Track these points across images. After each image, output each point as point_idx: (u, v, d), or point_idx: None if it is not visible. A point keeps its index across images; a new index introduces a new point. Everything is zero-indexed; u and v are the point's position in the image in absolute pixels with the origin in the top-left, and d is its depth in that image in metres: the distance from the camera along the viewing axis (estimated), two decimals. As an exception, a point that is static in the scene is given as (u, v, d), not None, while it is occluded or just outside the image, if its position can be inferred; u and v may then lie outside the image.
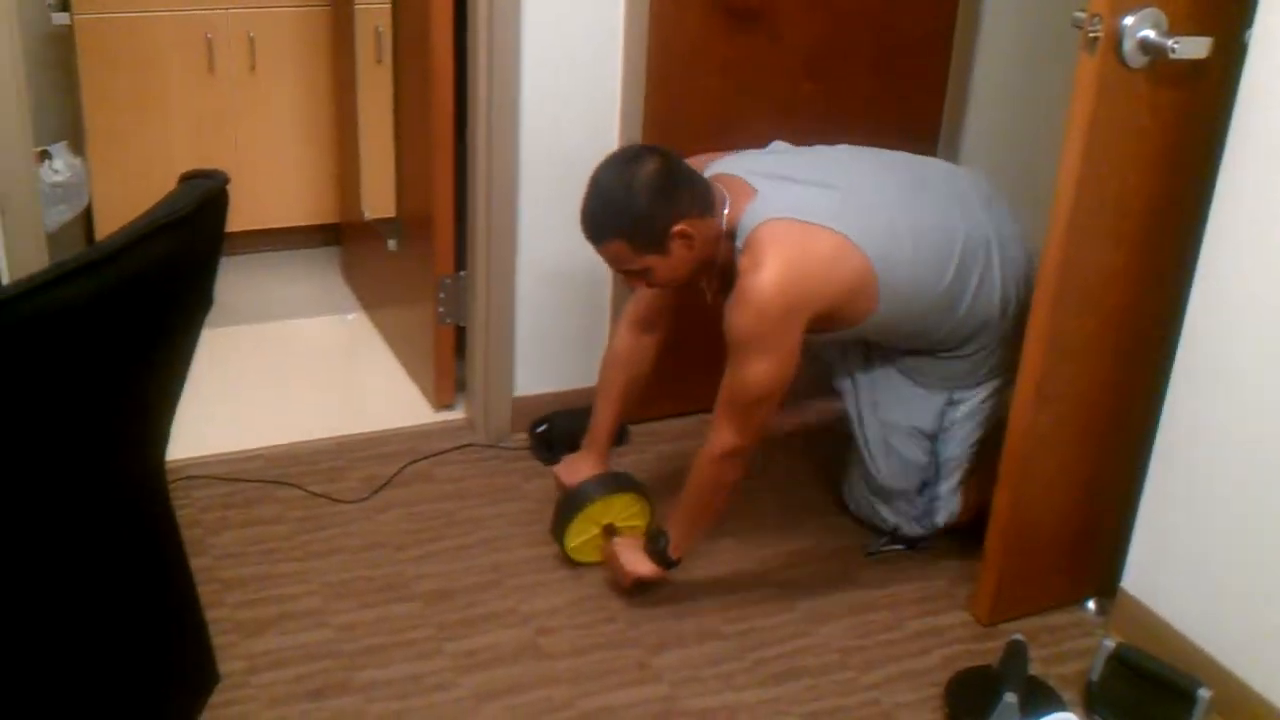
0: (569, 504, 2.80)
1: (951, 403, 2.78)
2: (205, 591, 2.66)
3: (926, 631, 2.72)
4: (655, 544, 2.67)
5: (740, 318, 2.44)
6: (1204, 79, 2.35)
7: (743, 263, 2.46)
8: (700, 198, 2.50)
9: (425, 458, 3.22)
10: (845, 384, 2.88)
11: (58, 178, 3.96)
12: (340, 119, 3.97)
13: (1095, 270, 2.46)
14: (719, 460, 2.56)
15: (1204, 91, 2.37)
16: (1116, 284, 2.50)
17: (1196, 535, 2.52)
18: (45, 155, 4.01)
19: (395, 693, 2.46)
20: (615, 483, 2.82)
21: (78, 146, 3.97)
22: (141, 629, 1.60)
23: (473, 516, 3.01)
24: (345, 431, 3.31)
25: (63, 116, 3.99)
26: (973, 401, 2.78)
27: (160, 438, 1.62)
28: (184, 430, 3.22)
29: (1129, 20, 2.24)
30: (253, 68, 3.98)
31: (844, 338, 2.70)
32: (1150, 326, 2.57)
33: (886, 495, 2.88)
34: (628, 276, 2.61)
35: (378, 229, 3.65)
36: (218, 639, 2.54)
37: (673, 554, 2.67)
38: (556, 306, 3.26)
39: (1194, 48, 2.26)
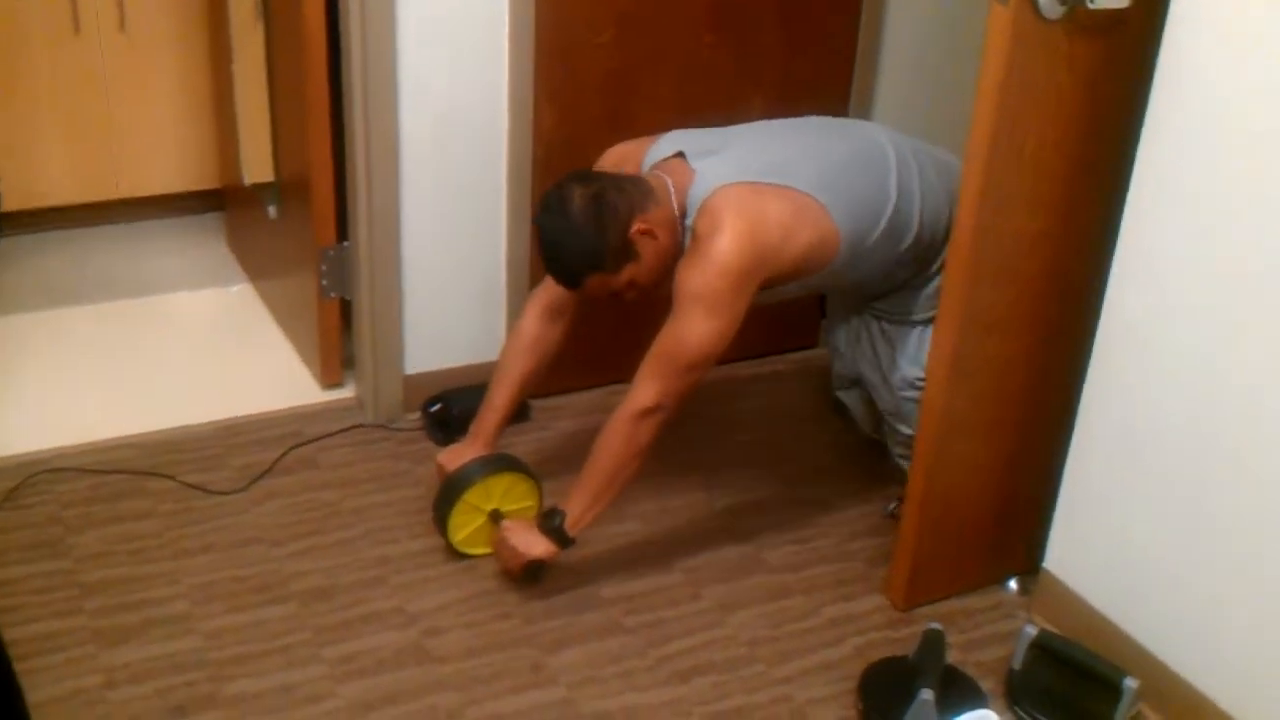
0: (447, 490, 2.61)
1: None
2: (62, 598, 2.50)
3: (841, 618, 2.57)
4: (550, 521, 2.49)
5: (697, 274, 2.34)
6: (1125, 31, 2.19)
7: (700, 227, 2.37)
8: (637, 194, 2.42)
9: (309, 441, 3.02)
10: (851, 370, 2.88)
11: (-85, 145, 3.70)
12: (219, 78, 3.72)
13: (1012, 236, 2.30)
14: (636, 419, 2.40)
15: (1125, 44, 2.21)
16: (1035, 251, 2.34)
17: (1119, 514, 2.38)
18: (-100, 121, 3.74)
19: (265, 706, 2.27)
20: (497, 464, 2.63)
21: (-63, 111, 3.71)
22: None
23: (358, 506, 2.81)
24: (225, 415, 3.10)
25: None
26: None
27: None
28: (49, 417, 3.06)
29: (1043, -33, 2.07)
30: (122, 25, 3.72)
31: (808, 286, 2.57)
32: (1072, 295, 2.42)
33: None
34: (618, 296, 2.49)
35: (258, 195, 3.42)
36: (74, 650, 2.38)
37: (570, 530, 2.48)
38: (447, 279, 3.06)
39: (1113, -4, 2.10)
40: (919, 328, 2.66)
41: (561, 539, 2.48)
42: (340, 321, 3.17)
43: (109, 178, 3.90)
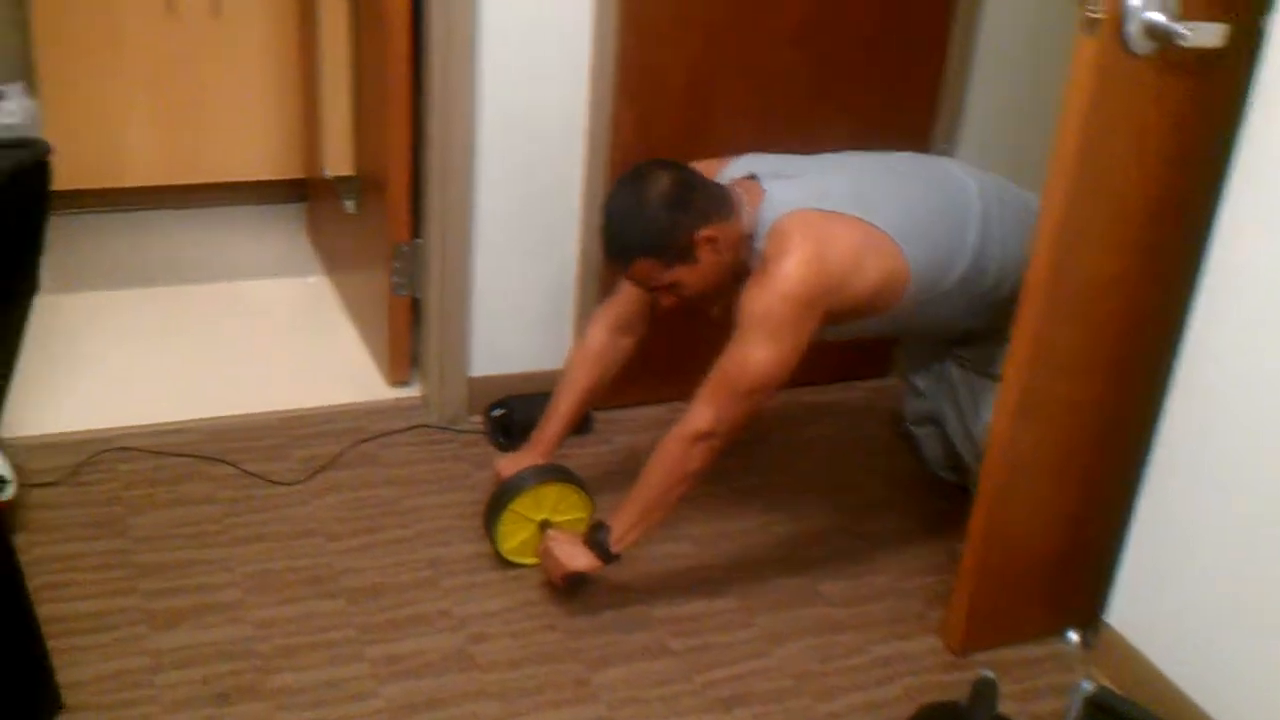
0: (498, 496, 2.60)
1: None
2: (117, 577, 2.51)
3: (893, 657, 2.51)
4: (595, 535, 2.47)
5: (762, 297, 2.31)
6: (1217, 69, 2.12)
7: (767, 250, 2.33)
8: (718, 202, 2.40)
9: (373, 438, 3.02)
10: (932, 411, 2.85)
11: (10, 119, 3.75)
12: (308, 69, 3.75)
13: (1089, 276, 2.24)
14: (689, 442, 2.37)
15: (1216, 83, 2.14)
16: (1113, 292, 2.28)
17: (1188, 570, 2.31)
18: (-3, 95, 3.81)
19: (308, 701, 2.27)
20: (548, 474, 2.61)
21: (35, 88, 3.77)
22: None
23: (415, 506, 2.81)
24: (292, 406, 3.12)
25: (21, 55, 3.78)
26: None
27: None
28: (119, 396, 3.09)
29: (1134, 1, 2.00)
30: (217, 10, 3.76)
31: (872, 327, 2.52)
32: (1149, 339, 2.34)
33: None
34: (657, 294, 2.45)
35: (338, 188, 3.44)
36: (124, 630, 2.39)
37: (614, 547, 2.45)
38: (517, 284, 3.05)
39: (1207, 35, 2.02)
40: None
41: (605, 554, 2.46)
42: (410, 319, 3.17)
43: (194, 161, 3.95)
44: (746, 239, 2.40)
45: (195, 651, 2.35)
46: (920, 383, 2.86)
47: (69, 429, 2.93)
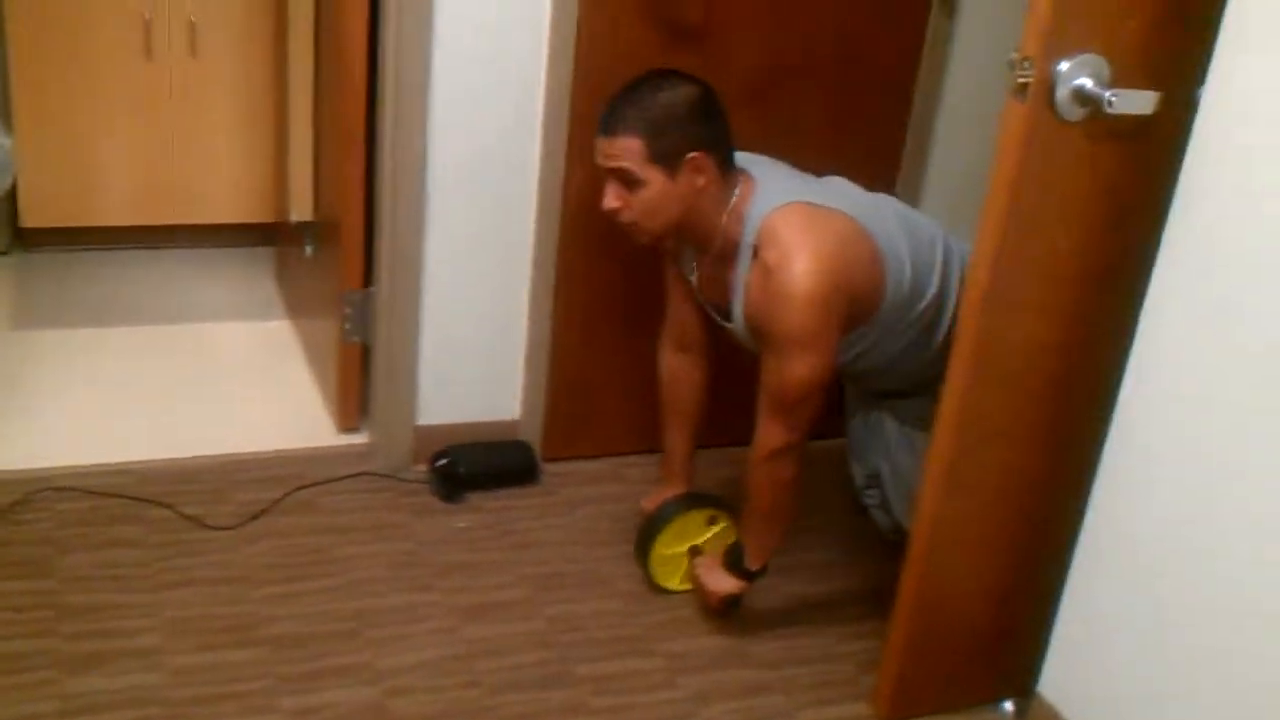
0: (646, 526, 2.73)
1: None
2: (38, 618, 2.49)
3: (820, 723, 2.46)
4: (731, 557, 2.58)
5: (784, 316, 2.32)
6: (1151, 137, 2.09)
7: (767, 257, 2.33)
8: (728, 155, 2.42)
9: (314, 484, 2.99)
10: (868, 461, 2.87)
11: (-17, 156, 3.78)
12: (279, 111, 3.76)
13: (1019, 344, 2.20)
14: (770, 459, 2.44)
15: (1150, 150, 2.10)
16: (1044, 360, 2.24)
17: (1119, 642, 2.25)
18: (-29, 131, 3.83)
19: (211, 752, 2.24)
20: (692, 501, 2.73)
21: (10, 126, 3.79)
22: None
23: (347, 554, 2.77)
24: (239, 449, 3.10)
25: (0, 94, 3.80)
26: None
27: None
28: (66, 434, 3.08)
29: (1064, 66, 1.98)
30: (193, 52, 3.78)
31: (859, 354, 2.51)
32: (1082, 408, 2.30)
33: None
34: (617, 182, 2.38)
35: (300, 233, 3.44)
36: (39, 674, 2.35)
37: (751, 565, 2.56)
38: (467, 333, 3.03)
39: (1136, 102, 2.00)
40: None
41: (745, 574, 2.57)
42: (361, 366, 3.15)
43: (168, 202, 3.95)
44: (731, 218, 2.39)
45: (106, 698, 2.32)
46: (856, 437, 2.85)
47: (10, 467, 2.91)
